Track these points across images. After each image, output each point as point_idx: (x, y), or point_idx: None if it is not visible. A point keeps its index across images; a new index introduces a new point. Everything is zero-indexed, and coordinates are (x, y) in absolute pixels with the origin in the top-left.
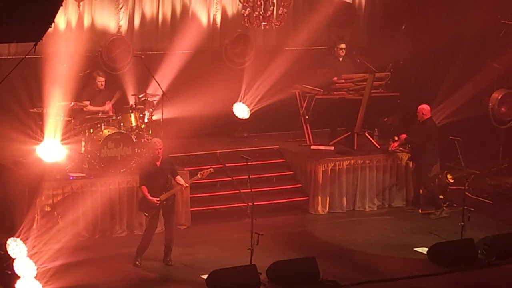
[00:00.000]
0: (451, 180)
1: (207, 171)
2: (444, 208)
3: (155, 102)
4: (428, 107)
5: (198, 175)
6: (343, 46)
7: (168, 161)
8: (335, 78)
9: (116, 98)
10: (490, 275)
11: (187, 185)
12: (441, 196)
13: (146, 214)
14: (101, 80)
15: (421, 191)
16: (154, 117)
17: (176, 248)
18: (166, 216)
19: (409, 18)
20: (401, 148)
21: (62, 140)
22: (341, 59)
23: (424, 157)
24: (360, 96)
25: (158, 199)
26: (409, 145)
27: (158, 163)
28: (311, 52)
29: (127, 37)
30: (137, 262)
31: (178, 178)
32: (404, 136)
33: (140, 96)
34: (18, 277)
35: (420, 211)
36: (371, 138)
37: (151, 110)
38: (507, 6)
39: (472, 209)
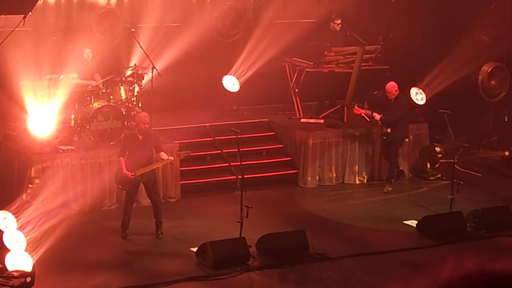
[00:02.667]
0: (438, 151)
1: (184, 153)
2: (391, 185)
3: (144, 75)
4: (396, 83)
5: (175, 155)
6: (338, 21)
7: (152, 136)
8: (327, 52)
9: (108, 78)
10: (479, 248)
11: (172, 158)
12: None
13: (120, 186)
14: (87, 52)
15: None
16: (143, 90)
17: (166, 221)
18: (147, 191)
19: None
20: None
21: (51, 113)
22: (336, 33)
23: (399, 131)
24: (350, 69)
25: (133, 173)
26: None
27: (140, 137)
28: (301, 25)
29: (117, 10)
30: (125, 236)
31: (162, 154)
32: (378, 116)
33: (129, 69)
34: (8, 250)
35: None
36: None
37: (140, 83)
38: None
39: (462, 182)
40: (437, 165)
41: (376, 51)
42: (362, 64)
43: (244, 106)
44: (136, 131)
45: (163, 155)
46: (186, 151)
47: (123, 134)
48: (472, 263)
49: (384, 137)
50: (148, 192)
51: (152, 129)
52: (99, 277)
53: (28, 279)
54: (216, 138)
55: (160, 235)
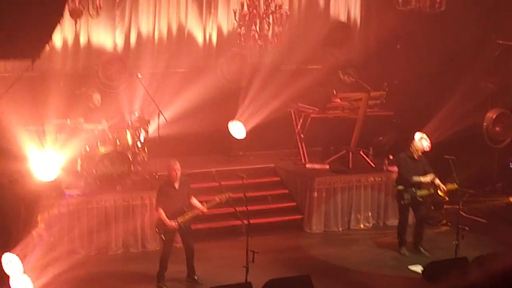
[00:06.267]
0: (442, 195)
1: (225, 196)
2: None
3: (151, 120)
4: None
5: (217, 199)
6: (353, 77)
7: (186, 183)
8: (332, 98)
9: (114, 121)
10: None
11: (206, 210)
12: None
13: (163, 236)
14: (97, 98)
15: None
16: (150, 135)
17: (172, 265)
18: (184, 237)
19: (403, 37)
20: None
21: (58, 157)
22: (344, 82)
23: None
24: (355, 115)
25: (176, 222)
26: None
27: (176, 185)
28: (307, 71)
29: (123, 55)
30: (160, 284)
31: (193, 200)
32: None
33: (136, 114)
34: None
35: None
36: (366, 157)
37: (147, 128)
38: (501, 26)
39: (467, 228)
40: (442, 211)
41: (381, 97)
42: (368, 110)
43: (250, 151)
44: (169, 178)
45: (195, 202)
46: (227, 194)
47: (129, 180)
48: None
49: (421, 199)
50: (183, 238)
51: (162, 174)
52: None
53: None
54: (222, 183)
55: (197, 279)
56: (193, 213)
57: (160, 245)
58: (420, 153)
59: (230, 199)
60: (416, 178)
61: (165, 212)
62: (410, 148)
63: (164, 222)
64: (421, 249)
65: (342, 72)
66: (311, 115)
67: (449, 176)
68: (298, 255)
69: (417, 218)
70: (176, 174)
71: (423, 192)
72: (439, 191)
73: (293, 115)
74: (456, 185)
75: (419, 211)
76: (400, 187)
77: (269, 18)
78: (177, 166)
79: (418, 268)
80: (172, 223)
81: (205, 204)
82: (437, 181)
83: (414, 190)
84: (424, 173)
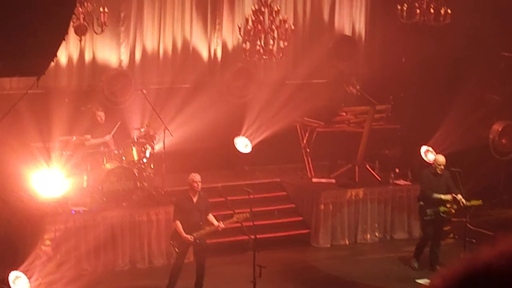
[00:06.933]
0: (448, 207)
1: (243, 215)
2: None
3: (156, 136)
4: None
5: (234, 218)
6: (358, 86)
7: (204, 198)
8: (338, 112)
9: (115, 129)
10: None
11: (222, 226)
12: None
13: (176, 249)
14: (100, 115)
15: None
16: (156, 151)
17: (179, 281)
18: (198, 253)
19: (408, 51)
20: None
21: (64, 174)
22: (350, 95)
23: None
24: (361, 129)
25: (192, 236)
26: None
27: (194, 199)
28: (312, 85)
29: (128, 72)
30: None
31: (210, 216)
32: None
33: (141, 130)
34: None
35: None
36: (372, 170)
37: (152, 143)
38: (506, 38)
39: (474, 241)
40: (448, 224)
41: (386, 110)
42: (373, 123)
43: (256, 166)
44: (188, 192)
45: (211, 218)
46: (245, 214)
47: (135, 195)
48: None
49: (444, 215)
50: (197, 255)
51: (169, 190)
52: None
53: None
54: (228, 198)
55: None
56: (210, 230)
57: (167, 260)
58: (442, 167)
59: (247, 217)
60: (437, 195)
61: (182, 225)
62: (433, 164)
63: (180, 235)
64: (438, 268)
65: (346, 84)
66: (317, 129)
67: (456, 188)
68: (305, 269)
69: (434, 236)
70: (197, 186)
71: (445, 208)
72: (448, 205)
73: (299, 129)
74: (480, 201)
75: (438, 229)
76: (421, 203)
77: (274, 33)
78: (198, 179)
79: (425, 282)
80: (188, 237)
81: (221, 222)
82: (459, 197)
83: (437, 206)
84: (447, 188)
